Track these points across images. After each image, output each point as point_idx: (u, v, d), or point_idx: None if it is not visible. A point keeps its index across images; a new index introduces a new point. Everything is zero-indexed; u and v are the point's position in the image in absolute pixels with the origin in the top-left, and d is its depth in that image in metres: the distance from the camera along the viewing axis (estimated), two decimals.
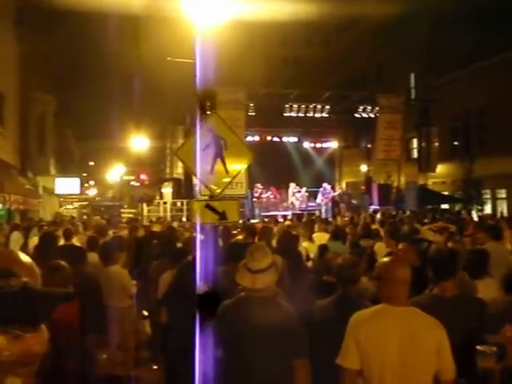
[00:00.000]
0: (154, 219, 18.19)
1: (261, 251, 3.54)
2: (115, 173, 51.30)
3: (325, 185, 25.98)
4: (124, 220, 19.62)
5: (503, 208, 22.73)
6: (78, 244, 8.19)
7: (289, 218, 17.31)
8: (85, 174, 47.91)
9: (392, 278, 3.03)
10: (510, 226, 9.99)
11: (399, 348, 2.90)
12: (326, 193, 25.66)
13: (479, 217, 16.92)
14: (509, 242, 8.46)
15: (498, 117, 22.21)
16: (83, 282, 4.83)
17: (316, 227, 10.99)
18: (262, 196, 25.20)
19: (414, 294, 3.86)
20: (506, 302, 3.96)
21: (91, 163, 56.59)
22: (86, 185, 47.68)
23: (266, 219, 17.69)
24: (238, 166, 7.08)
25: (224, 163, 6.94)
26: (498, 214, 19.44)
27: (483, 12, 21.09)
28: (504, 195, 23.38)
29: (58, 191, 29.00)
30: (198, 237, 5.81)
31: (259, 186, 25.10)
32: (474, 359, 3.11)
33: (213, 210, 6.94)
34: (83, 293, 3.90)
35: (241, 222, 14.11)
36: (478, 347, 3.11)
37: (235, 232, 9.61)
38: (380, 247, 7.70)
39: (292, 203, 25.52)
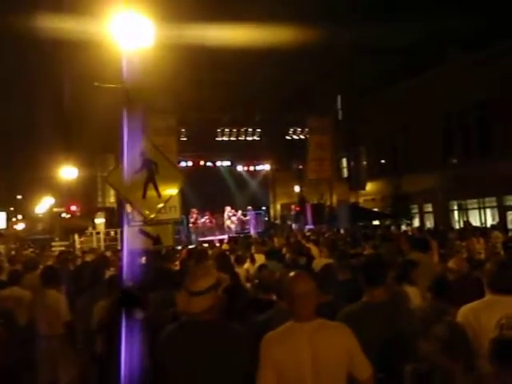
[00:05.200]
0: (86, 250, 17.59)
1: (201, 272, 3.38)
2: (44, 205, 49.33)
3: (248, 208, 26.31)
4: (55, 253, 18.85)
5: (431, 221, 23.75)
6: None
7: (225, 241, 17.27)
8: (12, 209, 45.82)
9: (293, 293, 3.07)
10: (435, 237, 10.44)
11: (312, 363, 2.95)
12: (251, 215, 26.00)
13: (405, 231, 17.60)
14: (436, 254, 8.82)
15: (421, 134, 23.33)
16: None
17: (253, 249, 11.06)
18: (198, 221, 25.06)
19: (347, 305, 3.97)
20: (434, 308, 4.18)
21: (19, 197, 54.24)
22: (13, 219, 45.54)
23: (203, 244, 17.56)
24: (170, 190, 7.05)
25: (156, 187, 6.88)
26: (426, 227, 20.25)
27: (406, 32, 22.16)
28: (430, 209, 24.45)
29: None
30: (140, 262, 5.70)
31: (195, 211, 24.97)
32: (397, 360, 3.18)
33: (146, 235, 6.86)
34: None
35: (179, 248, 13.97)
36: (407, 368, 3.12)
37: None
38: (317, 264, 7.84)
39: (228, 227, 25.56)
